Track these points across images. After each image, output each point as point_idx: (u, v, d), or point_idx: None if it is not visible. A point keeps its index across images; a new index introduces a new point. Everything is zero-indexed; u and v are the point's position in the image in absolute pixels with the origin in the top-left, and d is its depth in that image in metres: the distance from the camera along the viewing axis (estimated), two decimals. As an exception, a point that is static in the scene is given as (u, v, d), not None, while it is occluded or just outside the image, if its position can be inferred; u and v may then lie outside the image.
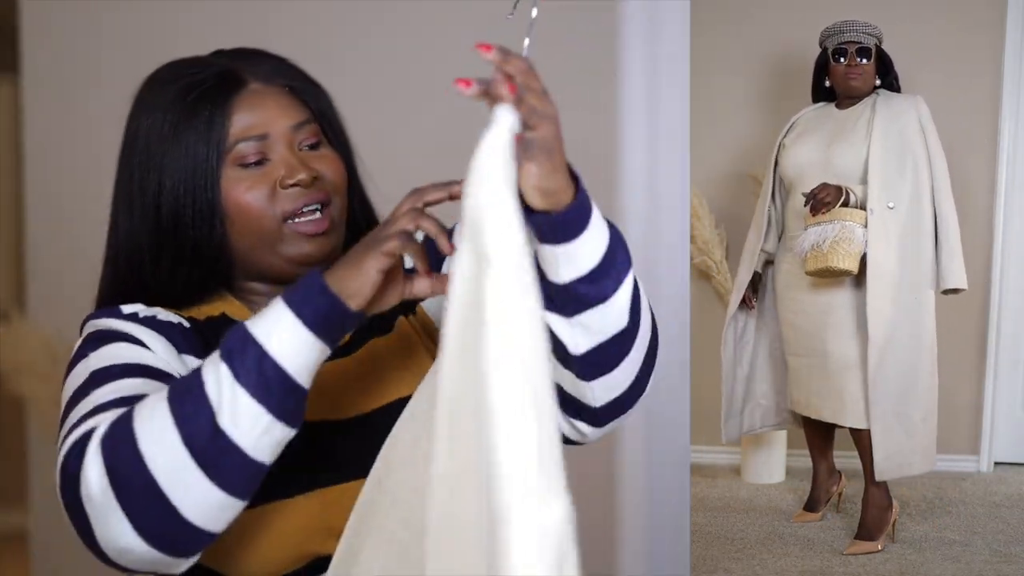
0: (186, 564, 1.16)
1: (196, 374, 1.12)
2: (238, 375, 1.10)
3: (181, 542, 1.12)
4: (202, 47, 2.78)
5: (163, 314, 1.35)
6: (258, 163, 1.35)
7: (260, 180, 1.34)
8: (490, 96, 1.06)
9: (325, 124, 1.41)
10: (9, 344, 2.71)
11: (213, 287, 1.38)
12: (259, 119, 1.35)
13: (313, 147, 1.38)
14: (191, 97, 1.36)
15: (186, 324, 1.34)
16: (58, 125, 2.76)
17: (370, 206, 1.48)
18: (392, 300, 1.18)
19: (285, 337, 1.12)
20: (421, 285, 1.19)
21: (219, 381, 1.10)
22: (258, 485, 1.14)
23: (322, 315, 1.13)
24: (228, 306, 1.40)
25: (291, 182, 1.33)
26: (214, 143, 1.34)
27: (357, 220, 1.45)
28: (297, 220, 1.34)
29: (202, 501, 1.10)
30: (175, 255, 1.36)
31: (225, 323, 1.37)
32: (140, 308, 1.35)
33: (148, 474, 1.09)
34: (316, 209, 1.34)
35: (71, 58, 2.75)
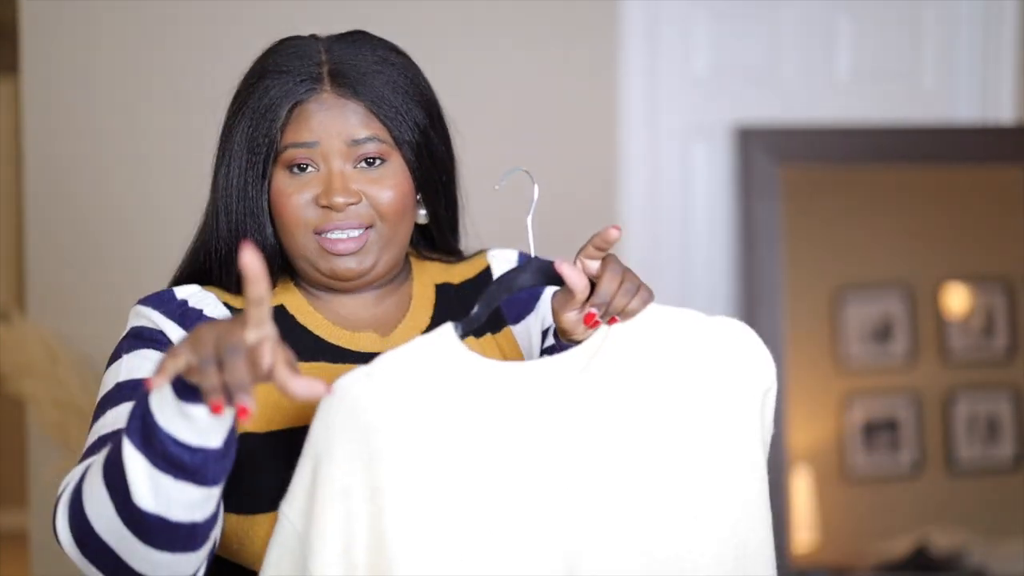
0: None
1: (119, 445, 1.11)
2: (140, 447, 1.08)
3: None
4: (203, 47, 2.78)
5: (212, 307, 1.36)
6: (310, 170, 1.34)
7: (301, 189, 1.34)
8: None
9: (403, 146, 1.37)
10: (9, 344, 2.71)
11: (273, 278, 1.38)
12: (315, 126, 1.33)
13: (373, 164, 1.35)
14: (261, 86, 1.35)
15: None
16: (58, 125, 2.76)
17: (456, 216, 1.47)
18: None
19: (174, 416, 1.08)
20: (299, 387, 1.05)
21: (128, 453, 1.09)
22: (208, 534, 1.14)
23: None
24: (289, 297, 1.40)
25: (324, 203, 1.33)
26: (266, 142, 1.33)
27: (438, 228, 1.45)
28: (328, 235, 1.33)
29: (150, 561, 1.12)
30: (231, 247, 1.36)
31: (282, 316, 1.37)
32: (193, 293, 1.36)
33: (102, 541, 1.12)
34: (354, 232, 1.33)
35: (71, 58, 2.75)
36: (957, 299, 3.18)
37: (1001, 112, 3.27)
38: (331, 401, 1.15)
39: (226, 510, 1.28)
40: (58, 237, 2.77)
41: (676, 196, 3.13)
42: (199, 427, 1.07)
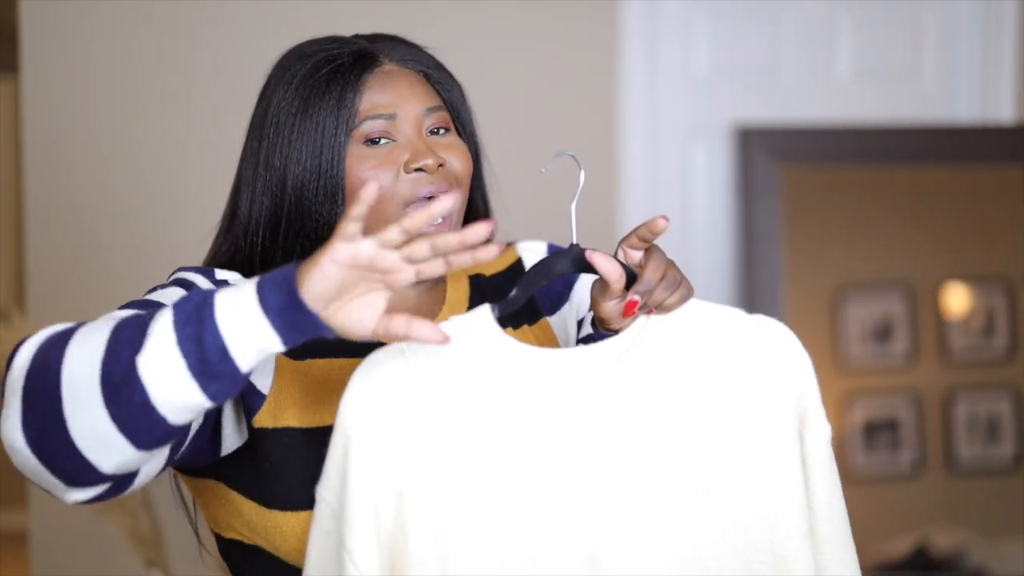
0: (77, 495, 1.13)
1: (157, 312, 1.09)
2: (177, 322, 1.07)
3: (63, 460, 1.09)
4: (202, 47, 2.78)
5: None
6: (384, 142, 1.34)
7: (385, 160, 1.33)
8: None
9: (455, 114, 1.40)
10: (9, 344, 2.71)
11: None
12: (389, 98, 1.34)
13: (441, 134, 1.37)
14: (323, 72, 1.34)
15: None
16: (58, 125, 2.76)
17: (487, 207, 1.48)
18: (364, 327, 1.09)
19: (237, 313, 1.06)
20: (426, 330, 1.09)
21: (163, 321, 1.07)
22: (155, 443, 1.10)
23: (283, 310, 1.06)
24: None
25: (415, 166, 1.32)
26: (343, 119, 1.32)
27: (478, 216, 1.45)
28: (417, 207, 1.33)
29: (91, 424, 1.07)
30: (295, 231, 1.35)
31: None
32: (235, 278, 1.35)
33: (58, 384, 1.07)
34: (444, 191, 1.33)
35: (71, 58, 2.75)
36: (957, 299, 3.18)
37: (1001, 112, 3.27)
38: (362, 376, 1.15)
39: (266, 505, 1.29)
40: (58, 237, 2.77)
41: (676, 196, 3.13)
42: (248, 339, 1.06)
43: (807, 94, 3.21)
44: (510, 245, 1.52)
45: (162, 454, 1.19)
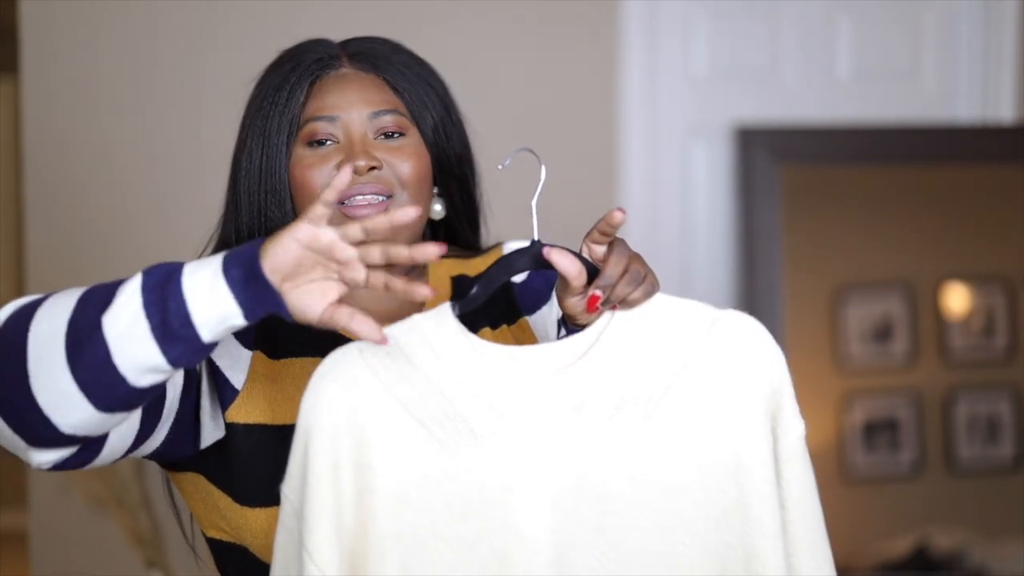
0: (39, 456, 1.14)
1: (126, 280, 1.11)
2: (145, 285, 1.09)
3: (24, 416, 1.10)
4: (203, 46, 2.78)
5: None
6: (328, 144, 1.35)
7: (322, 160, 1.34)
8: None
9: (420, 122, 1.39)
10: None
11: None
12: (335, 101, 1.35)
13: (392, 137, 1.37)
14: (280, 72, 1.37)
15: None
16: (58, 125, 2.76)
17: (475, 212, 1.48)
18: (313, 315, 1.12)
19: (202, 281, 1.09)
20: (365, 326, 1.11)
21: (133, 284, 1.10)
22: (115, 405, 1.11)
23: (242, 280, 1.09)
24: None
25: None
26: (286, 121, 1.35)
27: (458, 222, 1.46)
28: (349, 204, 1.33)
29: (53, 380, 1.09)
30: (256, 231, 1.36)
31: None
32: None
33: (24, 334, 1.10)
34: (376, 197, 1.34)
35: (71, 58, 2.75)
36: (957, 299, 3.19)
37: (1001, 112, 3.27)
38: (321, 374, 1.16)
39: (237, 500, 1.30)
40: (58, 237, 2.77)
41: (676, 196, 3.13)
42: (210, 307, 1.08)
43: (807, 94, 3.21)
44: (497, 245, 1.52)
45: (129, 424, 1.19)
